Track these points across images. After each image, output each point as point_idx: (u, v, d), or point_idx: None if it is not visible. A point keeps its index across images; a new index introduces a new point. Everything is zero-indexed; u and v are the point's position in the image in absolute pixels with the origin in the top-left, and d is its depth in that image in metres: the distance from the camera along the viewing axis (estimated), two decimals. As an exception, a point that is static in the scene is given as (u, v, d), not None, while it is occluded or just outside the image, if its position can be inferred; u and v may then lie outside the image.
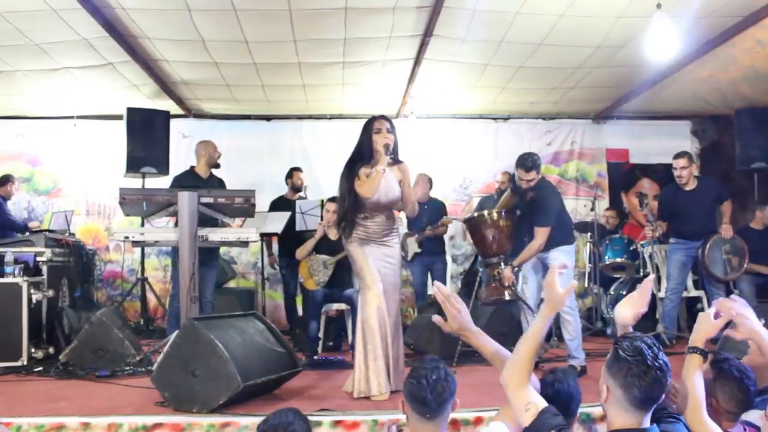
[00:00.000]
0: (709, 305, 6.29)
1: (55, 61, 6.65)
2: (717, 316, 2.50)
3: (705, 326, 2.49)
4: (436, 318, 2.52)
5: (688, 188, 6.21)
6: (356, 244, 4.26)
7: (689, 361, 2.42)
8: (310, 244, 6.21)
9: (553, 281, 2.31)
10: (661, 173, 8.67)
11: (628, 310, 2.47)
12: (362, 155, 4.30)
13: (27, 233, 6.62)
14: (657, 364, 1.99)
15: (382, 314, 4.14)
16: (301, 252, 6.27)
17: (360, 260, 4.24)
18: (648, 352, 2.00)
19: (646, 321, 6.68)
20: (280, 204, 7.23)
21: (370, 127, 4.31)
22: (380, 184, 4.17)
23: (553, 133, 9.02)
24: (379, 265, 4.23)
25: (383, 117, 4.38)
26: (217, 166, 6.28)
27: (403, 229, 7.27)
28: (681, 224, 6.25)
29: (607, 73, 7.20)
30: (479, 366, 5.28)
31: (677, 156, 6.25)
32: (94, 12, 5.55)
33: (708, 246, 6.11)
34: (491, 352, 2.47)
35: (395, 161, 4.34)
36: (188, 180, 6.04)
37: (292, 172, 7.51)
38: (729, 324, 2.57)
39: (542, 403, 2.14)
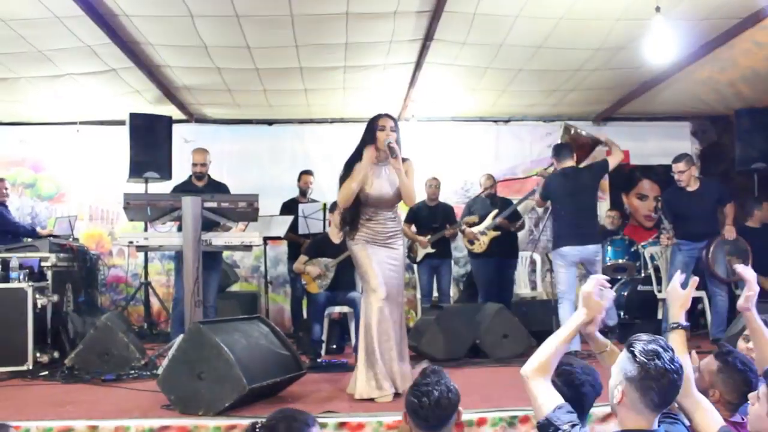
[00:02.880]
0: (711, 305, 6.34)
1: (59, 67, 6.69)
2: (684, 285, 2.52)
3: (678, 300, 2.52)
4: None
5: (690, 189, 6.24)
6: (360, 246, 4.29)
7: (675, 337, 2.43)
8: (303, 257, 6.27)
9: (593, 291, 2.35)
10: (662, 174, 8.67)
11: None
12: (362, 154, 4.33)
13: (32, 238, 6.62)
14: (673, 367, 2.01)
15: (384, 317, 4.17)
16: (297, 265, 6.32)
17: (364, 263, 4.27)
18: (665, 355, 2.02)
19: (649, 322, 6.72)
20: (292, 206, 7.27)
21: (373, 125, 4.33)
22: (361, 183, 4.21)
23: (554, 135, 9.00)
24: (383, 267, 4.26)
25: (387, 114, 4.41)
26: (201, 177, 6.27)
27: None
28: (684, 225, 6.27)
29: (606, 75, 7.23)
30: (483, 368, 5.32)
31: (675, 160, 6.27)
32: (97, 19, 5.59)
33: (712, 247, 6.13)
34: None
35: (394, 158, 4.31)
36: (186, 188, 6.08)
37: (301, 175, 7.55)
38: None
39: (559, 399, 2.17)
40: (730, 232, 6.19)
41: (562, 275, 5.84)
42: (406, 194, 4.32)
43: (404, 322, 4.43)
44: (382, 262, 4.26)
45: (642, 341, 2.07)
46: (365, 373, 4.12)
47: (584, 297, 2.36)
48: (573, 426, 2.08)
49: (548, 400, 2.17)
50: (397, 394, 4.11)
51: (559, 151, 6.13)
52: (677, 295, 2.52)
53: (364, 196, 4.29)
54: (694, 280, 2.53)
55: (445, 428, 2.37)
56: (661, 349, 2.03)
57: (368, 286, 4.25)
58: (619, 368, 2.10)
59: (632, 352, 2.05)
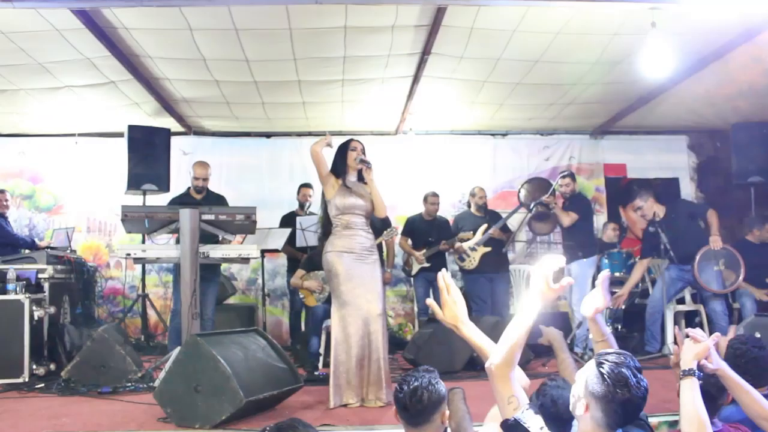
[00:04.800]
0: (708, 319, 6.35)
1: (58, 79, 6.72)
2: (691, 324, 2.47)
3: (695, 348, 2.37)
4: (430, 301, 2.56)
5: (658, 219, 6.39)
6: (336, 258, 4.51)
7: (686, 385, 2.29)
8: (300, 272, 6.29)
9: (548, 274, 2.19)
10: (659, 188, 8.73)
11: (586, 306, 2.60)
12: (336, 171, 4.73)
13: (29, 250, 6.61)
14: (640, 393, 2.01)
15: (347, 335, 4.41)
16: (294, 280, 6.33)
17: (338, 278, 4.48)
18: (632, 380, 2.00)
19: (641, 333, 6.75)
20: (291, 219, 7.27)
21: (345, 146, 4.77)
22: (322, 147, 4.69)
23: (551, 149, 9.08)
24: (356, 283, 4.45)
25: (357, 140, 4.87)
26: (201, 190, 6.31)
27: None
28: (667, 253, 6.45)
29: (603, 89, 7.27)
30: (480, 381, 5.30)
31: (635, 198, 6.57)
32: (96, 32, 5.61)
33: (697, 262, 6.14)
34: (479, 345, 2.42)
35: (369, 168, 4.70)
36: (184, 201, 6.10)
37: (300, 188, 7.57)
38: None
39: (525, 399, 2.13)
40: (715, 242, 6.20)
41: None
42: (378, 205, 4.66)
43: (386, 332, 4.57)
44: (356, 276, 4.47)
45: (611, 362, 2.04)
46: (334, 383, 4.37)
47: (538, 281, 2.21)
48: (541, 429, 2.05)
49: (515, 399, 2.13)
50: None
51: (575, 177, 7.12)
52: (694, 345, 2.37)
53: (337, 205, 4.59)
54: (716, 335, 2.43)
55: (428, 425, 2.36)
56: (629, 373, 2.01)
57: (336, 303, 4.51)
58: (585, 381, 2.07)
59: (601, 373, 2.03)
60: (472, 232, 7.10)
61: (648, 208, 6.35)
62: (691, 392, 2.27)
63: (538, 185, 7.28)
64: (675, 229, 6.28)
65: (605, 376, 2.02)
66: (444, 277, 2.44)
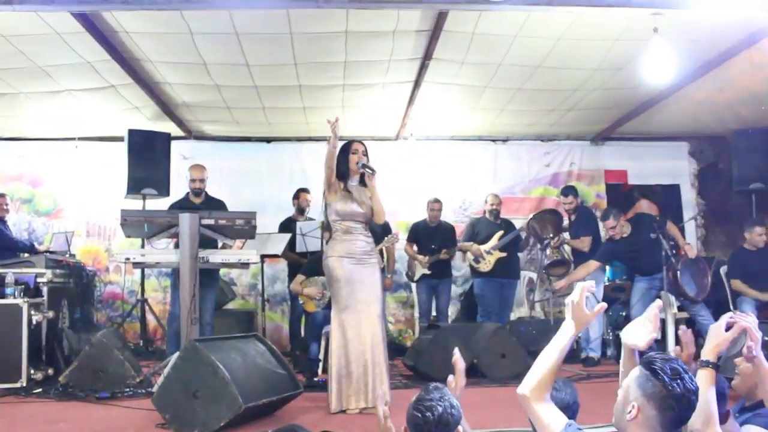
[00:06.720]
0: (696, 325, 6.34)
1: (58, 83, 6.71)
2: (728, 327, 2.39)
3: (717, 339, 2.39)
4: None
5: (625, 236, 6.53)
6: (337, 262, 4.51)
7: (702, 376, 2.30)
8: (300, 277, 6.27)
9: (581, 301, 2.26)
10: (660, 194, 8.72)
11: (639, 336, 2.39)
12: (338, 174, 4.66)
13: (28, 254, 6.58)
14: (693, 387, 2.00)
15: (347, 340, 4.41)
16: (294, 285, 6.31)
17: (338, 282, 4.48)
18: (685, 375, 2.00)
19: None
20: (289, 225, 7.25)
21: (347, 149, 4.72)
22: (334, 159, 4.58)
23: (552, 155, 9.07)
24: (357, 287, 4.46)
25: (359, 141, 4.83)
26: (198, 193, 6.31)
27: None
28: (635, 266, 6.63)
29: (604, 95, 7.26)
30: (480, 388, 5.29)
31: (603, 218, 6.70)
32: (97, 36, 5.60)
33: (679, 269, 6.19)
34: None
35: (372, 174, 4.65)
36: (184, 206, 6.09)
37: (299, 193, 7.53)
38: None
39: (564, 417, 2.13)
40: (690, 251, 6.36)
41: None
42: (378, 211, 4.63)
43: (385, 335, 4.58)
44: (356, 281, 4.47)
45: (661, 360, 2.04)
46: (336, 388, 4.35)
47: (572, 308, 2.27)
48: None
49: (554, 419, 2.13)
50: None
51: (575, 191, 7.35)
52: (717, 333, 2.39)
53: (338, 210, 4.58)
54: (739, 325, 2.38)
55: None
56: (681, 369, 2.01)
57: (336, 308, 4.50)
58: (634, 385, 2.06)
59: (653, 370, 2.02)
60: (473, 243, 7.17)
61: (619, 228, 6.53)
62: (705, 383, 2.26)
63: (548, 219, 7.39)
64: (639, 245, 6.42)
65: (658, 372, 2.01)
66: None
